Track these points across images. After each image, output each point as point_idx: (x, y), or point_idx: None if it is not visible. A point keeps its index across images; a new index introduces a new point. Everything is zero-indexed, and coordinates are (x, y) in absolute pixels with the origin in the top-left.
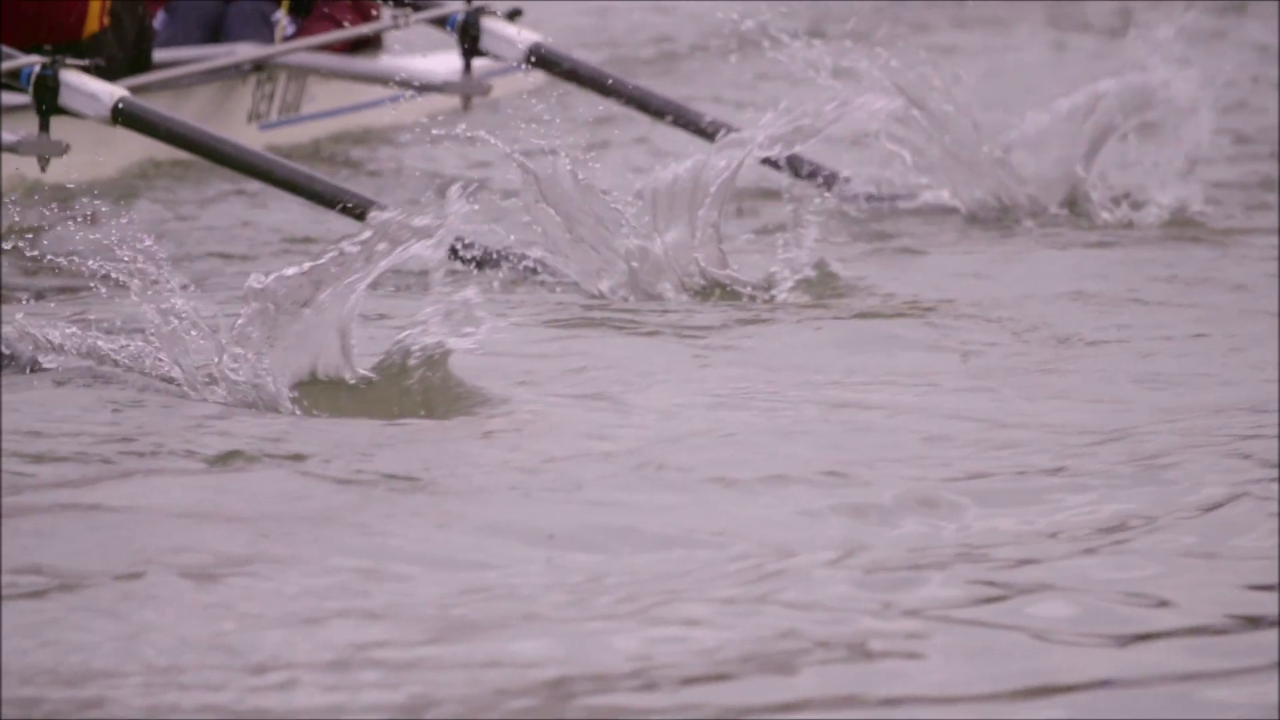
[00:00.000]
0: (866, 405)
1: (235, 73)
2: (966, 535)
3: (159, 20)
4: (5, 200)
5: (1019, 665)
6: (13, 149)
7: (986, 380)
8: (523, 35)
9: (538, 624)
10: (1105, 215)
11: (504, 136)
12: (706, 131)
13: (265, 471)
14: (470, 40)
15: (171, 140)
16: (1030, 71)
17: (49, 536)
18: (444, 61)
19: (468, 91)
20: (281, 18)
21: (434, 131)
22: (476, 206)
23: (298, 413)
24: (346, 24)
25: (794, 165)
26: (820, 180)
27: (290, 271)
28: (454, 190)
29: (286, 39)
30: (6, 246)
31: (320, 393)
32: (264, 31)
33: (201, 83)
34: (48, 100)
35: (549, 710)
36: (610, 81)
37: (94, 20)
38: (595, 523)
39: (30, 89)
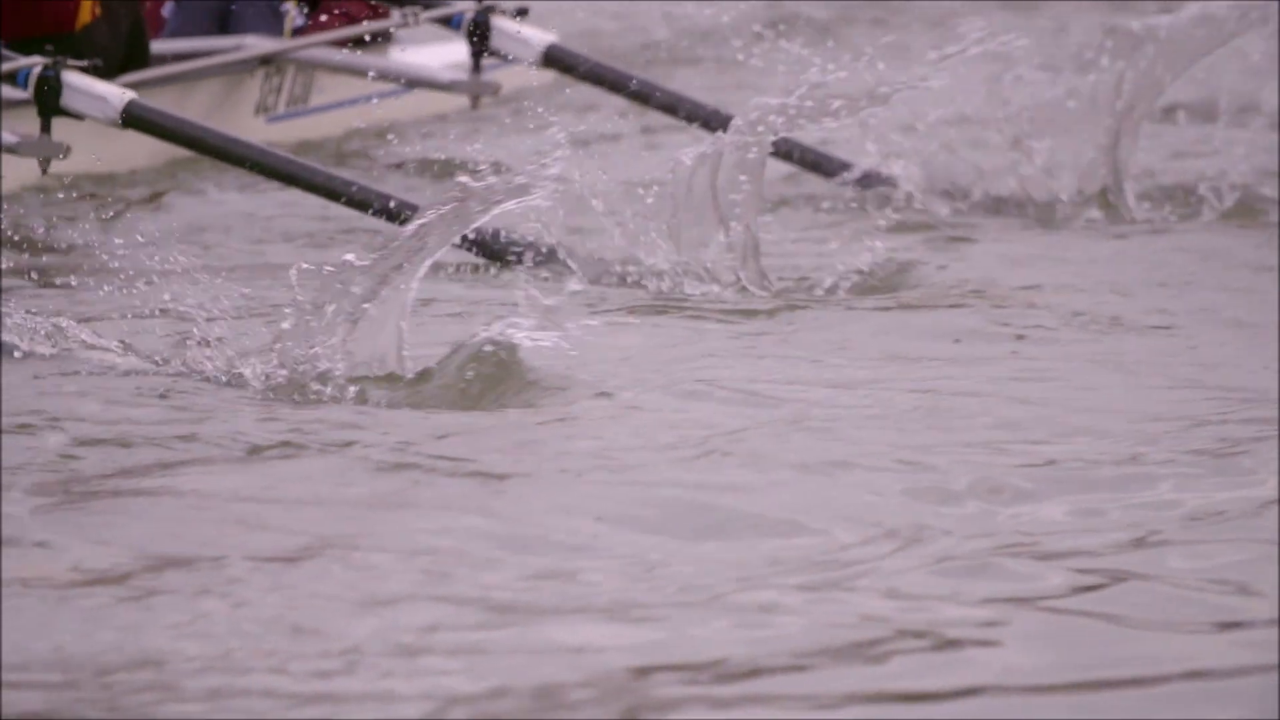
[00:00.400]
0: (936, 391)
1: (243, 66)
2: (1040, 522)
3: (167, 9)
4: (38, 195)
5: (1101, 654)
6: (12, 150)
7: (1053, 367)
8: (538, 35)
9: (609, 611)
10: (1150, 204)
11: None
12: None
13: (333, 459)
14: (480, 39)
15: (183, 142)
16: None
17: (119, 524)
18: (454, 52)
19: (476, 91)
20: (290, 9)
21: (512, 119)
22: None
23: (362, 401)
24: (361, 19)
25: (814, 156)
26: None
27: (357, 258)
28: (557, 138)
29: (296, 31)
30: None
31: (387, 382)
32: (273, 23)
33: (208, 76)
34: (49, 101)
35: (623, 697)
36: (633, 82)
37: (86, 12)
38: (666, 509)
39: (31, 90)
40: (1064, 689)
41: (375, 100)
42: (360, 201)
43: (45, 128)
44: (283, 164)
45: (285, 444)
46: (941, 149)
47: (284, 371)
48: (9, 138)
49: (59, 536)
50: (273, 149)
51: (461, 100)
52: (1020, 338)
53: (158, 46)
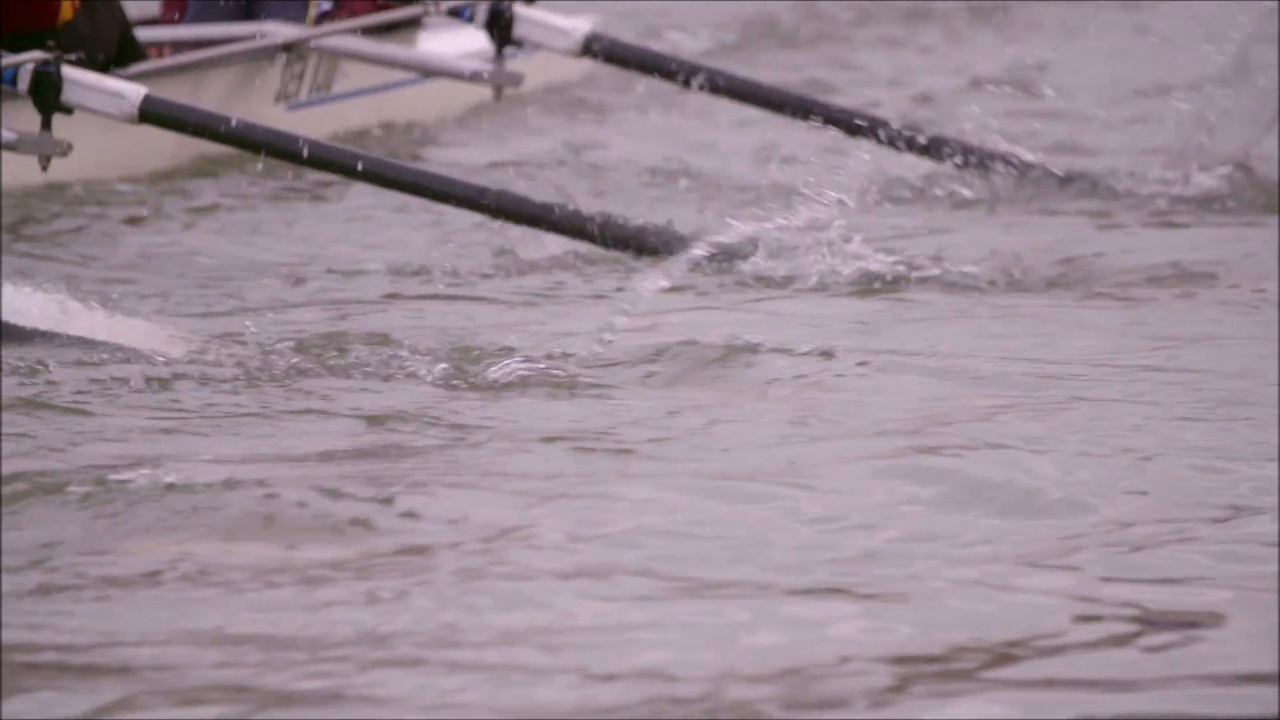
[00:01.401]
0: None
1: (263, 53)
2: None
3: None
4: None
5: None
6: (11, 147)
7: (1193, 358)
8: (574, 24)
9: (768, 593)
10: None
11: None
12: (795, 110)
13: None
14: (502, 30)
15: (207, 135)
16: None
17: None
18: (483, 41)
19: (499, 82)
20: None
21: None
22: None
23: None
24: (386, 7)
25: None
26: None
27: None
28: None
29: (320, 16)
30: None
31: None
32: (297, 9)
33: (227, 64)
34: (49, 97)
35: (885, 681)
36: (679, 68)
37: (67, 9)
38: (848, 496)
39: (25, 86)
40: None
41: (403, 86)
42: (488, 209)
43: (46, 124)
44: (321, 151)
45: (462, 427)
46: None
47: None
48: (7, 134)
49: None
50: (304, 135)
51: (485, 91)
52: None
53: (173, 33)
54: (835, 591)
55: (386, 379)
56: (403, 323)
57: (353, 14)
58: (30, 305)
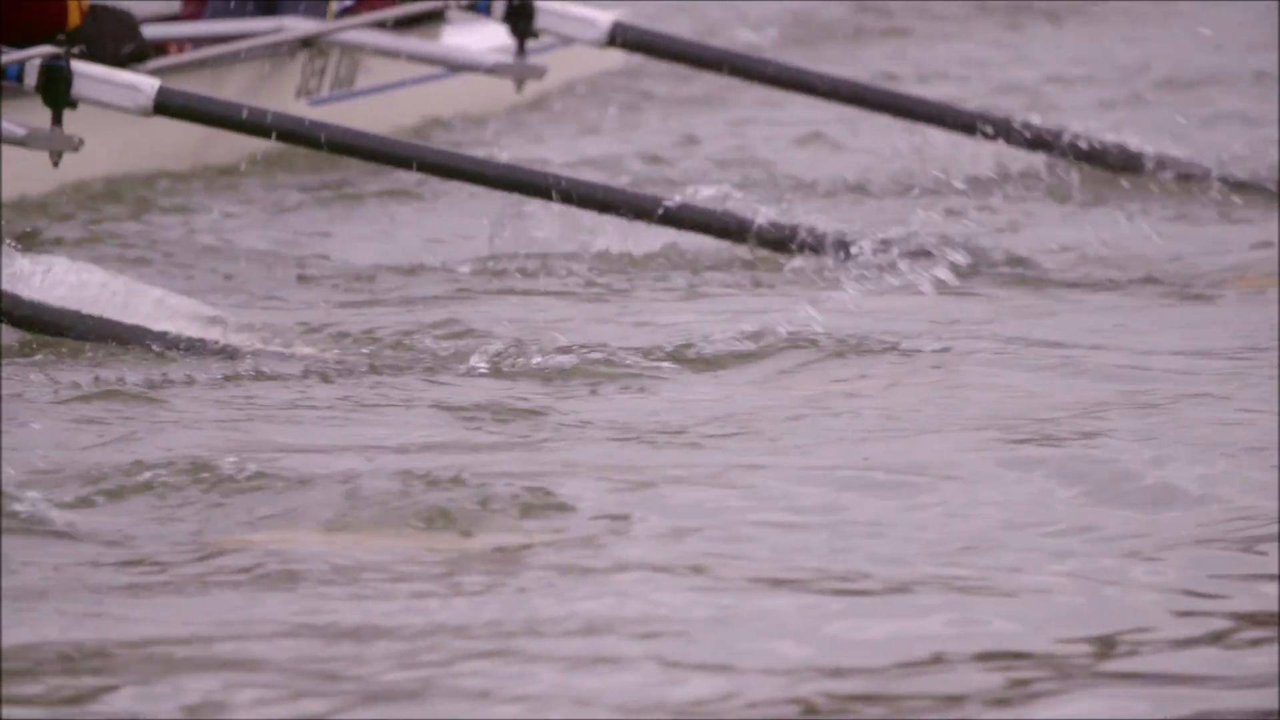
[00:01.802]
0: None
1: (282, 48)
2: None
3: None
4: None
5: None
6: (21, 143)
7: None
8: (598, 14)
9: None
10: None
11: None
12: (833, 94)
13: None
14: (523, 22)
15: (224, 124)
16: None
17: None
18: (505, 34)
19: (521, 75)
20: None
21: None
22: None
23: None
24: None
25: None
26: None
27: None
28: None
29: (341, 12)
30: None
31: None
32: (317, 5)
33: (245, 59)
34: (60, 92)
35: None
36: (711, 55)
37: (74, 14)
38: (952, 489)
39: (33, 82)
40: None
41: (429, 81)
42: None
43: (56, 120)
44: (340, 136)
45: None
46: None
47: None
48: (14, 130)
49: None
50: (328, 123)
51: (507, 85)
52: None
53: (193, 29)
54: (938, 585)
55: (493, 372)
56: (497, 316)
57: (373, 9)
58: (103, 294)
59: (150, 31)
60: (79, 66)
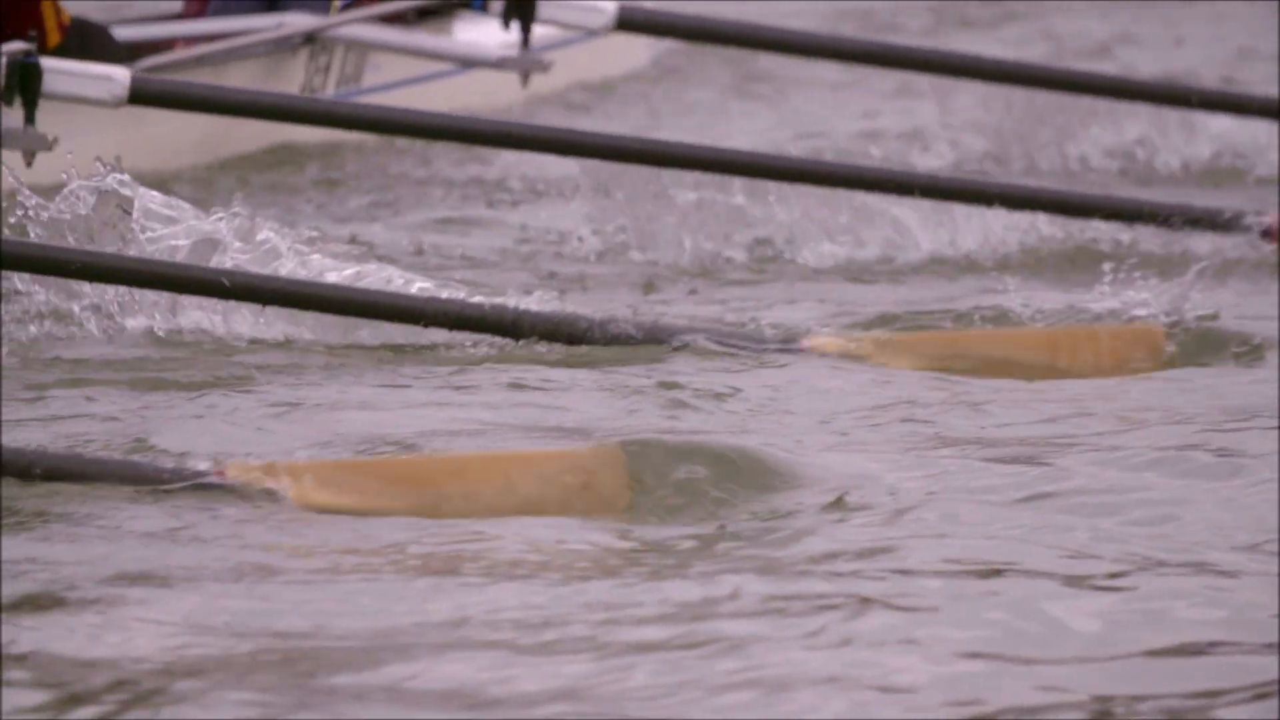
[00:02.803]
0: None
1: (284, 45)
2: None
3: None
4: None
5: None
6: None
7: None
8: (604, 1)
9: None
10: None
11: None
12: (845, 56)
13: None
14: (523, 14)
15: (205, 108)
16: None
17: None
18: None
19: (525, 68)
20: None
21: None
22: None
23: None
24: None
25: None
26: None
27: None
28: None
29: (345, 9)
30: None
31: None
32: (320, 4)
33: (246, 57)
34: (30, 89)
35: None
36: (728, 30)
37: (54, 33)
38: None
39: (5, 80)
40: None
41: (438, 78)
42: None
43: (30, 118)
44: (343, 109)
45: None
46: None
47: None
48: None
49: None
50: (318, 98)
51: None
52: None
53: (194, 28)
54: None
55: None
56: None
57: (374, 4)
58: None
59: (152, 30)
60: (50, 62)
